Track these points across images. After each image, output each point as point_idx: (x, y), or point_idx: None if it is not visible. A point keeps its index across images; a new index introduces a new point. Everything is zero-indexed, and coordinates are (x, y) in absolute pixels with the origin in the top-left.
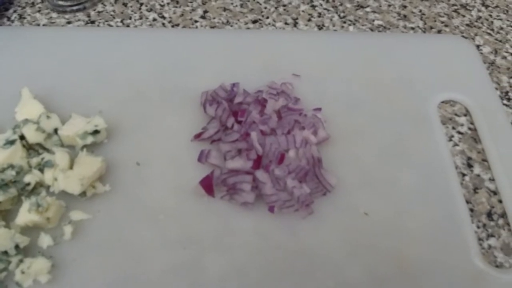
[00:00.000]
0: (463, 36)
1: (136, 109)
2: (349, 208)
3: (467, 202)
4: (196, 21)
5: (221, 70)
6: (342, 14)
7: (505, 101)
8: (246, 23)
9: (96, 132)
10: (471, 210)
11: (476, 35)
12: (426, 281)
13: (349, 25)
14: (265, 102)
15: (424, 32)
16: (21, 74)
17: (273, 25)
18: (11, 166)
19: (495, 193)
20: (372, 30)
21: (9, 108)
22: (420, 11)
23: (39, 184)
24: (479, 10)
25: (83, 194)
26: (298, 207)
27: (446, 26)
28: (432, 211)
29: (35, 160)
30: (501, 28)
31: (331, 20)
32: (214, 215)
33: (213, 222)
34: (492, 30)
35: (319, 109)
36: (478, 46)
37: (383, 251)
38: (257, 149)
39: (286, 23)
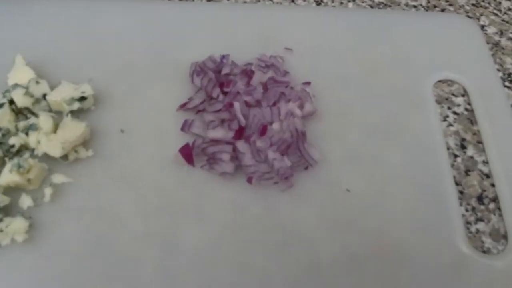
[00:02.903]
0: (467, 16)
1: (126, 79)
2: (331, 184)
3: (457, 184)
4: None
5: (214, 43)
6: None
7: (507, 83)
8: None
9: (83, 98)
10: (461, 192)
11: (481, 15)
12: (405, 264)
13: (349, 1)
14: (252, 74)
15: (427, 10)
16: (16, 42)
17: (271, 0)
18: None
19: (488, 176)
20: (372, 7)
21: (2, 74)
22: None
23: (24, 147)
24: None
25: (65, 157)
26: (278, 180)
27: (450, 5)
28: (418, 192)
29: (22, 124)
30: (509, 9)
31: None
32: (192, 184)
33: (191, 191)
34: (500, 10)
35: (308, 83)
36: (482, 27)
37: (362, 230)
38: (240, 119)
39: None
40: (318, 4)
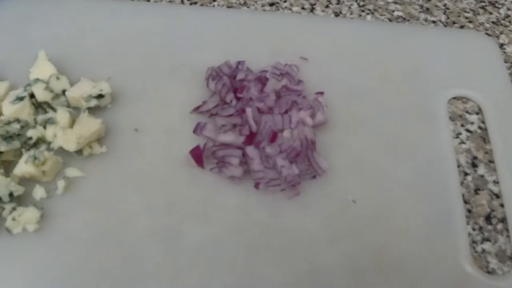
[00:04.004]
0: (487, 34)
1: (143, 79)
2: (337, 194)
3: (466, 202)
4: (214, 0)
5: (230, 49)
6: (361, 3)
7: None
8: (263, 5)
9: (100, 96)
10: (469, 211)
11: (501, 33)
12: (407, 279)
13: (367, 14)
14: (266, 81)
15: (446, 26)
16: (39, 38)
17: (290, 9)
18: (17, 120)
19: (497, 196)
20: (390, 20)
21: (25, 69)
22: (445, 5)
23: (41, 140)
24: (508, 9)
25: (80, 152)
26: (285, 187)
27: (470, 22)
28: (424, 207)
29: (41, 118)
30: None
31: (349, 8)
32: (201, 185)
33: (199, 192)
34: None
35: (321, 93)
36: (502, 45)
37: (364, 242)
38: (251, 125)
39: (303, 8)
40: (337, 15)
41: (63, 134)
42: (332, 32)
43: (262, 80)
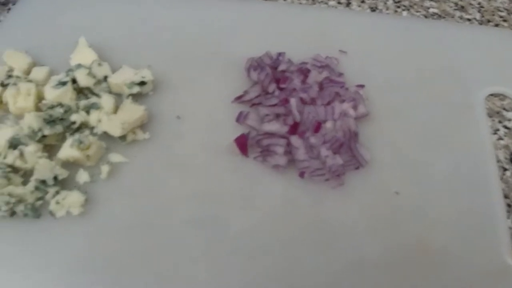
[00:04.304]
0: None
1: (182, 68)
2: (380, 185)
3: (506, 197)
4: None
5: (269, 40)
6: None
7: None
8: None
9: (142, 83)
10: (509, 205)
11: None
12: (445, 270)
13: (403, 10)
14: (308, 73)
15: (481, 24)
16: (80, 25)
17: (326, 3)
18: (60, 105)
19: None
20: (426, 17)
21: (65, 55)
22: (479, 3)
23: (84, 125)
24: None
25: (123, 138)
26: (329, 177)
27: (504, 21)
28: (464, 201)
29: (83, 103)
30: None
31: (385, 3)
32: (244, 174)
33: (242, 180)
34: None
35: (362, 86)
36: None
37: (406, 233)
38: (295, 115)
39: (339, 2)
40: (373, 10)
41: (108, 120)
42: (369, 26)
43: (304, 71)
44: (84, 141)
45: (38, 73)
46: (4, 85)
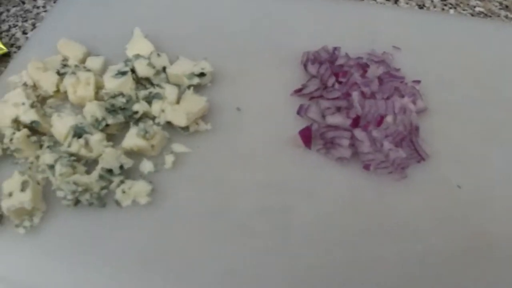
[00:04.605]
0: None
1: (238, 60)
2: (442, 179)
3: None
4: None
5: (321, 35)
6: None
7: None
8: None
9: (202, 74)
10: None
11: None
12: (507, 263)
13: (450, 8)
14: (366, 67)
15: None
16: (133, 15)
17: (374, 0)
18: (121, 95)
19: None
20: (472, 15)
21: (120, 45)
22: None
23: (145, 115)
24: None
25: (186, 128)
26: (393, 170)
27: None
28: None
29: (142, 93)
30: None
31: (432, 1)
32: (307, 166)
33: (306, 172)
34: None
35: (418, 81)
36: None
37: (469, 226)
38: (357, 109)
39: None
40: (421, 7)
41: (172, 110)
42: (418, 23)
43: (362, 66)
44: (149, 131)
45: (94, 62)
46: (60, 74)
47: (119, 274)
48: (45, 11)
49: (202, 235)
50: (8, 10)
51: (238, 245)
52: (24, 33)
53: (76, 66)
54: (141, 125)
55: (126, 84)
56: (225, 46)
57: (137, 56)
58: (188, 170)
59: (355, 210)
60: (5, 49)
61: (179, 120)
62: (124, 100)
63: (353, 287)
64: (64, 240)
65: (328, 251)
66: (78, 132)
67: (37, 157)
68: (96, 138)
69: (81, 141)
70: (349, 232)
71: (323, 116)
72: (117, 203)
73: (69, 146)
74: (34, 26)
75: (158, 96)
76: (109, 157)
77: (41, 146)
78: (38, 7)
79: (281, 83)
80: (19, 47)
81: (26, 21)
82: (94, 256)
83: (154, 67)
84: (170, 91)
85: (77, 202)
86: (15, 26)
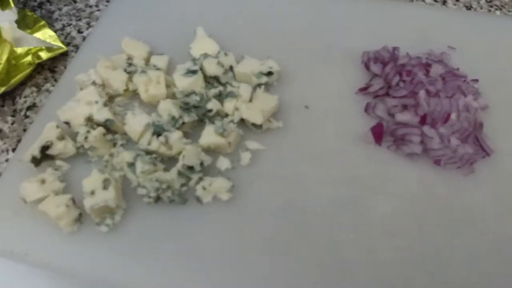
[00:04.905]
0: None
1: (301, 60)
2: (508, 174)
3: None
4: None
5: (376, 35)
6: None
7: None
8: None
9: (269, 73)
10: None
11: None
12: None
13: (496, 9)
14: (428, 67)
15: None
16: (194, 15)
17: (423, 0)
18: (194, 93)
19: None
20: None
21: (183, 44)
22: None
23: (217, 113)
24: None
25: (259, 126)
26: (461, 165)
27: None
28: None
29: (212, 91)
30: None
31: (478, 2)
32: (378, 161)
33: (377, 167)
34: None
35: (476, 80)
36: None
37: None
38: (423, 106)
39: (435, 0)
40: (468, 8)
41: (247, 108)
42: (467, 23)
43: (424, 65)
44: (227, 128)
45: (158, 61)
46: (128, 73)
47: (201, 270)
48: (98, 10)
49: (282, 229)
50: (60, 9)
51: (317, 238)
52: (79, 32)
53: (147, 65)
54: (218, 123)
55: (197, 83)
56: (286, 46)
57: (206, 55)
58: (263, 167)
59: (427, 203)
60: (64, 48)
61: (255, 117)
62: (198, 98)
63: (427, 278)
64: (145, 237)
65: (403, 243)
66: (157, 130)
67: (111, 155)
68: (176, 136)
69: (162, 139)
70: (422, 224)
71: (389, 114)
72: (198, 199)
73: (149, 144)
74: (89, 25)
75: (231, 95)
76: (190, 154)
77: (114, 145)
78: (90, 6)
79: (343, 81)
80: (75, 46)
81: (79, 20)
82: (176, 253)
83: (222, 66)
84: (244, 90)
85: (157, 199)
86: (69, 25)
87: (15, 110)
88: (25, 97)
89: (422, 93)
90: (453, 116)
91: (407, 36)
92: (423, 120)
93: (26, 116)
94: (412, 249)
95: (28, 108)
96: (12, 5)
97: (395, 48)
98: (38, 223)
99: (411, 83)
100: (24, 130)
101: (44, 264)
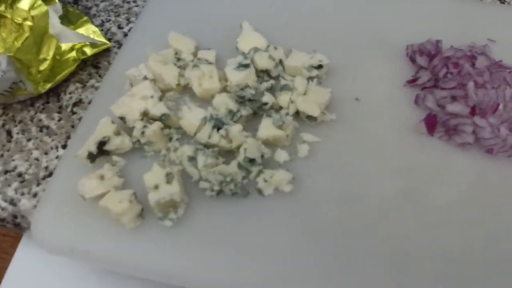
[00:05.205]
0: None
1: (346, 53)
2: None
3: None
4: None
5: (417, 27)
6: None
7: None
8: None
9: (319, 66)
10: None
11: None
12: None
13: None
14: (473, 59)
15: None
16: (238, 9)
17: None
18: (248, 87)
19: None
20: None
21: (228, 39)
22: None
23: (270, 107)
24: None
25: (314, 119)
26: (511, 154)
27: None
28: None
29: (264, 85)
30: None
31: None
32: (432, 151)
33: (431, 157)
34: None
35: None
36: None
37: None
38: (473, 97)
39: None
40: (502, 3)
41: (303, 101)
42: (503, 17)
43: (469, 57)
44: (285, 121)
45: (206, 56)
46: (179, 67)
47: (267, 263)
48: (136, 5)
49: (345, 220)
50: (97, 5)
51: (380, 229)
52: (120, 27)
53: (198, 59)
54: (276, 115)
55: (250, 77)
56: (330, 39)
57: (256, 49)
58: (321, 159)
59: (482, 192)
60: (108, 44)
61: (312, 110)
62: (253, 91)
63: (489, 266)
64: (209, 231)
65: (464, 232)
66: (216, 124)
67: (168, 150)
68: (236, 129)
69: (222, 132)
70: (480, 212)
71: (438, 105)
72: (260, 192)
73: (209, 137)
74: (128, 20)
75: (286, 88)
76: (251, 147)
77: (170, 139)
78: (128, 2)
79: (389, 74)
80: (117, 42)
81: (118, 15)
82: (241, 245)
83: (274, 60)
84: (299, 83)
85: (219, 192)
86: (108, 21)
87: (60, 107)
88: (70, 93)
89: (471, 84)
90: (501, 106)
91: (447, 30)
92: (473, 111)
93: (73, 113)
94: (474, 236)
95: (75, 104)
96: (56, 0)
97: (438, 41)
98: (98, 219)
99: (459, 75)
100: (72, 127)
101: (107, 261)
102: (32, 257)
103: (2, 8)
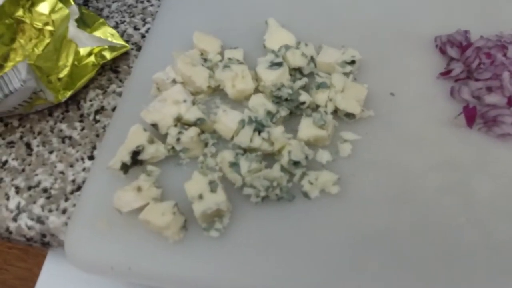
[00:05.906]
0: None
1: (375, 47)
2: None
3: None
4: None
5: (442, 19)
6: None
7: None
8: None
9: (352, 62)
10: None
11: None
12: None
13: None
14: (504, 49)
15: None
16: (262, 5)
17: None
18: (283, 86)
19: None
20: None
21: (253, 36)
22: None
23: (307, 106)
24: None
25: (353, 116)
26: None
27: None
28: None
29: (298, 83)
30: None
31: None
32: (472, 144)
33: (473, 150)
34: None
35: None
36: None
37: None
38: (508, 88)
39: None
40: None
41: (343, 98)
42: None
43: (501, 47)
44: (325, 120)
45: (233, 55)
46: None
47: (320, 268)
48: (151, 5)
49: (394, 218)
50: (109, 6)
51: (430, 225)
52: (136, 28)
53: (229, 59)
54: (317, 115)
55: (284, 75)
56: (360, 35)
57: (287, 47)
58: (362, 157)
59: None
60: (128, 46)
61: (352, 107)
62: (290, 91)
63: None
64: (255, 238)
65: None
66: (257, 127)
67: (205, 156)
68: (278, 131)
69: (264, 135)
70: None
71: (474, 97)
72: (305, 195)
73: (251, 141)
74: (144, 21)
75: (323, 85)
76: (295, 149)
77: (206, 144)
78: (142, 2)
79: (421, 66)
80: (135, 44)
81: (133, 16)
82: (291, 251)
83: (306, 57)
84: (337, 80)
85: (264, 197)
86: (122, 22)
87: (82, 115)
88: (90, 100)
89: (506, 75)
90: None
91: (472, 19)
92: (510, 101)
93: (96, 121)
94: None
95: (97, 112)
96: (72, 2)
97: (466, 31)
98: (137, 234)
99: (492, 65)
100: (97, 136)
101: (151, 277)
102: (59, 274)
103: (20, 12)
